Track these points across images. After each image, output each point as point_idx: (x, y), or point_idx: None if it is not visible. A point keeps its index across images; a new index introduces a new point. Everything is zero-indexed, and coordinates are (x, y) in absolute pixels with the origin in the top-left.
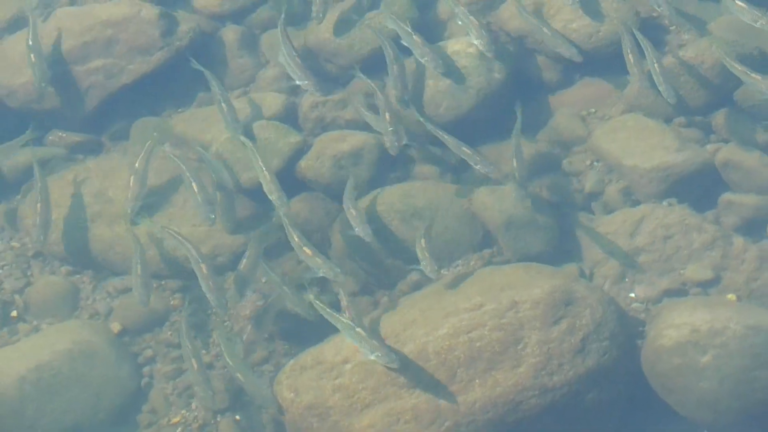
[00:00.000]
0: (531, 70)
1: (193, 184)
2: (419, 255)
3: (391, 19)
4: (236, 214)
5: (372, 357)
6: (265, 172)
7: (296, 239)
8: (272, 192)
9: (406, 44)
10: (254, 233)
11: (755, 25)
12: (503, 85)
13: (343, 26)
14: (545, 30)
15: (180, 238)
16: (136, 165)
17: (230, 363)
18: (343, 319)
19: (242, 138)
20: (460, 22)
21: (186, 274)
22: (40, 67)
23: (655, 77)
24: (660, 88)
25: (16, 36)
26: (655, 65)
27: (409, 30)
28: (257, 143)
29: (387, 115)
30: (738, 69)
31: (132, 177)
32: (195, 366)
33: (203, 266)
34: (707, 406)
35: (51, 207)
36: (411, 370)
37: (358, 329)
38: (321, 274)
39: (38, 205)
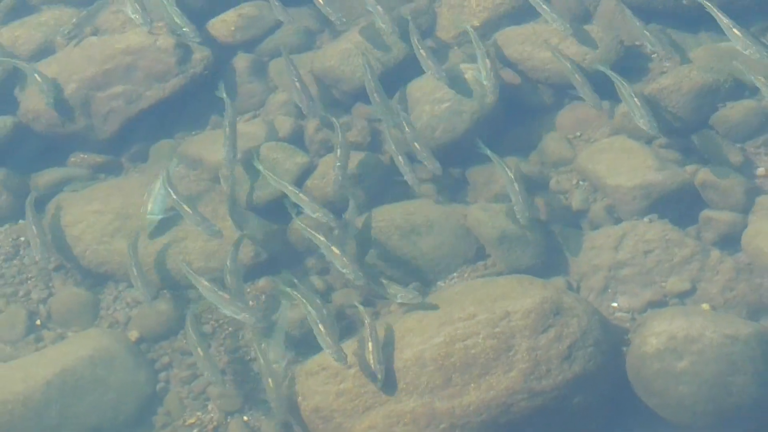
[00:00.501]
0: (523, 94)
1: (184, 207)
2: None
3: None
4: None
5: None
6: (301, 195)
7: (323, 239)
8: (316, 210)
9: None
10: (234, 246)
11: (744, 52)
12: (495, 108)
13: (346, 54)
14: (577, 77)
15: (193, 272)
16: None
17: (263, 366)
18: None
19: (260, 167)
20: (474, 57)
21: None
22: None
23: (636, 110)
24: (641, 121)
25: (41, 63)
26: (635, 100)
27: (418, 44)
28: (266, 163)
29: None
30: (762, 81)
31: (146, 194)
32: (201, 354)
33: (224, 294)
34: (686, 409)
35: (45, 228)
36: (409, 375)
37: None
38: (343, 272)
39: (33, 228)
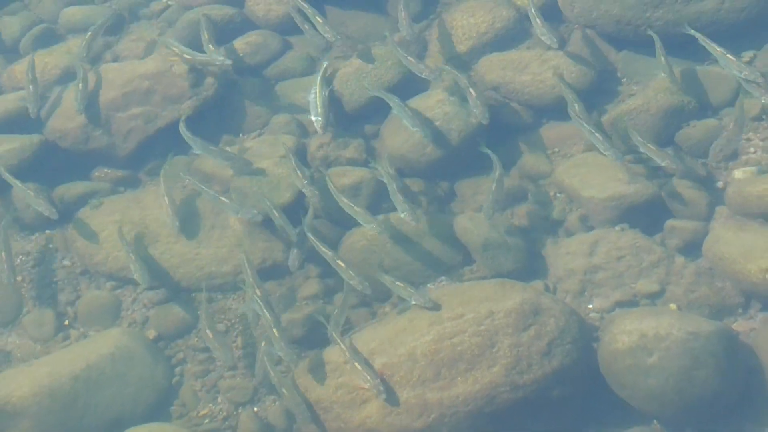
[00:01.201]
0: (505, 115)
1: (221, 198)
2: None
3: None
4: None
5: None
6: (356, 208)
7: (329, 253)
8: (369, 222)
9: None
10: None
11: (740, 75)
12: (480, 128)
13: (346, 78)
14: (576, 108)
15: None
16: (163, 191)
17: (275, 379)
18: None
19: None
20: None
21: (212, 288)
22: (82, 95)
23: (599, 145)
24: (606, 154)
25: (66, 87)
26: (597, 135)
27: (404, 54)
28: (272, 178)
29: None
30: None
31: (165, 200)
32: (210, 335)
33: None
34: (654, 400)
35: (12, 254)
36: (403, 370)
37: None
38: (351, 283)
39: (2, 254)
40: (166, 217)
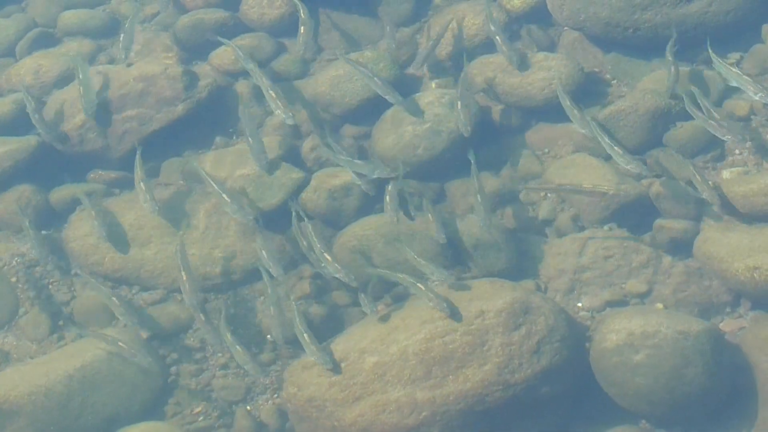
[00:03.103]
0: (495, 116)
1: (224, 196)
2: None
3: None
4: None
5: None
6: (422, 262)
7: (317, 247)
8: (432, 270)
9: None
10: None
11: (755, 98)
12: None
13: (336, 80)
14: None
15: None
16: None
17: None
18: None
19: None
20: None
21: (206, 289)
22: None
23: (619, 158)
24: (629, 166)
25: (63, 90)
26: (616, 149)
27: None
28: (265, 179)
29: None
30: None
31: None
32: (202, 318)
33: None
34: (642, 398)
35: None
36: (395, 368)
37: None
38: (337, 277)
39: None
40: (143, 203)
